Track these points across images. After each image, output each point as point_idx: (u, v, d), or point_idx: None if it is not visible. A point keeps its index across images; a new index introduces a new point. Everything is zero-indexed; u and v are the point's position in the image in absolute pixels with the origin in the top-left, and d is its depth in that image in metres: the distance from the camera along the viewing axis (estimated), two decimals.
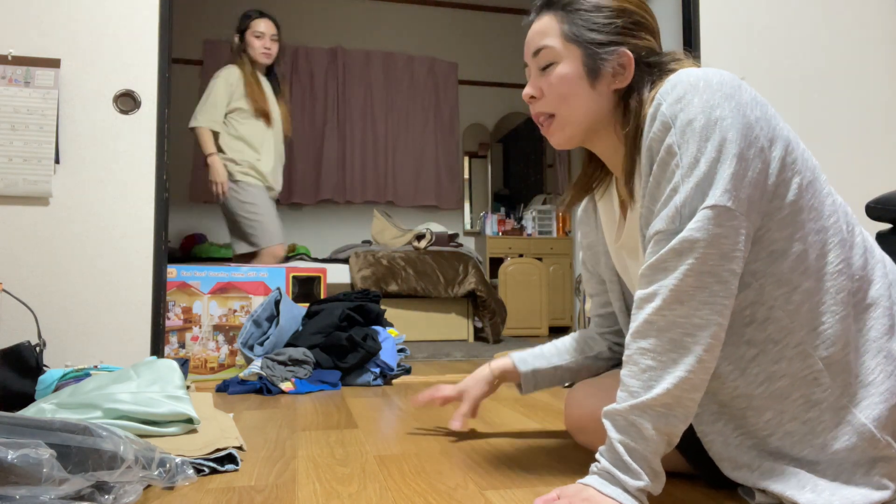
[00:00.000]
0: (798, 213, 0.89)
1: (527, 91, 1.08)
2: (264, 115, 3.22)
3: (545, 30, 1.05)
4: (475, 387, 1.38)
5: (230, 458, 1.19)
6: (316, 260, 4.37)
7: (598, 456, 0.87)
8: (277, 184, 3.34)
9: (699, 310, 0.83)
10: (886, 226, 1.86)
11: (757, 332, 0.90)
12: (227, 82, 3.18)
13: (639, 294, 0.88)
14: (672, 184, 0.87)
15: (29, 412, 1.33)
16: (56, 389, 1.69)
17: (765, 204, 0.88)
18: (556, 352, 1.33)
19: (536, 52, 1.05)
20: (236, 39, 3.28)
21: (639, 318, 0.86)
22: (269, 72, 3.35)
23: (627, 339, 0.88)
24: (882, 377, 0.89)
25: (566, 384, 2.18)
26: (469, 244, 5.83)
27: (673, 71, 0.96)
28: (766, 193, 0.87)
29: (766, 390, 0.90)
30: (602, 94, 1.02)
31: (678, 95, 0.88)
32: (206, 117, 3.16)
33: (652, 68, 1.00)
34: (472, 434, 1.44)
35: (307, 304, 2.63)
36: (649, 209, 0.92)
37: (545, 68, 1.05)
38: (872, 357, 0.90)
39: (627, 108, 1.00)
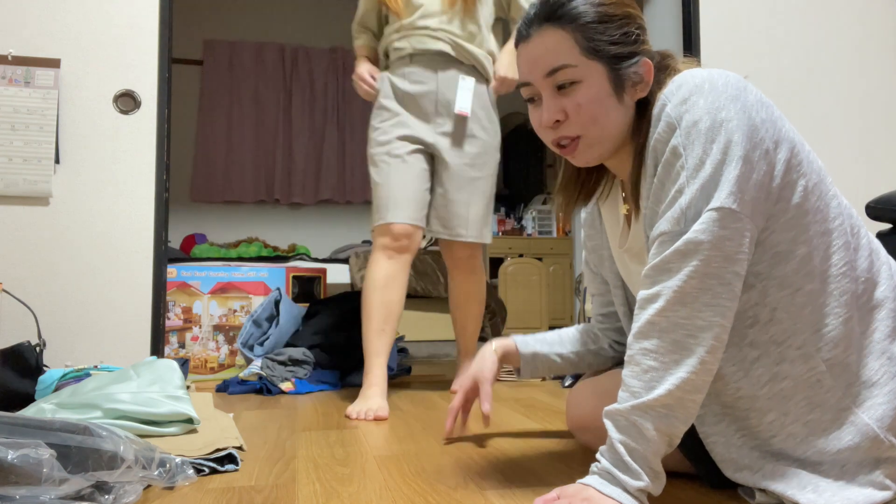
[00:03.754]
0: (803, 216, 0.88)
1: (550, 116, 0.96)
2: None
3: (556, 46, 0.94)
4: (489, 368, 1.31)
5: (230, 458, 1.19)
6: (316, 260, 4.36)
7: (598, 456, 0.87)
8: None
9: (702, 312, 0.82)
10: (886, 226, 1.86)
11: (760, 333, 0.90)
12: None
13: (642, 294, 0.87)
14: (677, 185, 0.86)
15: (29, 412, 1.33)
16: (56, 389, 1.69)
17: (769, 206, 0.87)
18: (558, 340, 1.31)
19: (552, 72, 0.95)
20: None
21: (641, 318, 0.86)
22: None
23: (630, 338, 0.88)
24: (886, 378, 0.89)
25: (566, 384, 2.19)
26: None
27: (677, 71, 0.95)
28: (771, 196, 0.87)
29: (770, 391, 0.90)
30: (627, 107, 0.96)
31: (683, 96, 0.87)
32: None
33: (661, 72, 0.97)
34: (472, 434, 1.44)
35: (307, 304, 2.63)
36: (654, 210, 0.91)
37: (562, 87, 0.95)
38: (876, 358, 0.90)
39: (641, 116, 0.97)
